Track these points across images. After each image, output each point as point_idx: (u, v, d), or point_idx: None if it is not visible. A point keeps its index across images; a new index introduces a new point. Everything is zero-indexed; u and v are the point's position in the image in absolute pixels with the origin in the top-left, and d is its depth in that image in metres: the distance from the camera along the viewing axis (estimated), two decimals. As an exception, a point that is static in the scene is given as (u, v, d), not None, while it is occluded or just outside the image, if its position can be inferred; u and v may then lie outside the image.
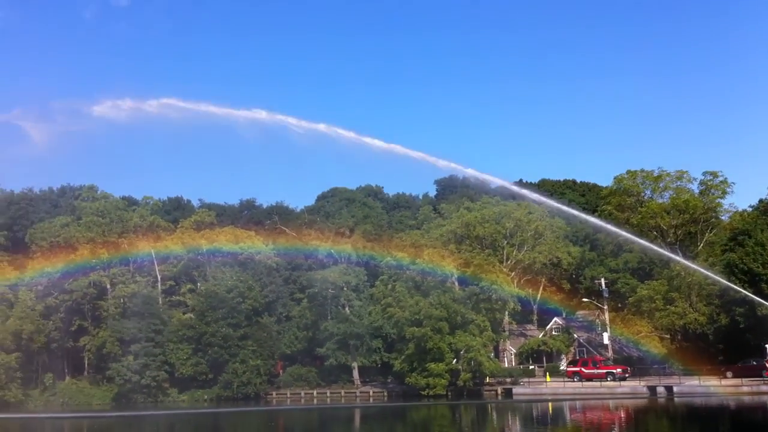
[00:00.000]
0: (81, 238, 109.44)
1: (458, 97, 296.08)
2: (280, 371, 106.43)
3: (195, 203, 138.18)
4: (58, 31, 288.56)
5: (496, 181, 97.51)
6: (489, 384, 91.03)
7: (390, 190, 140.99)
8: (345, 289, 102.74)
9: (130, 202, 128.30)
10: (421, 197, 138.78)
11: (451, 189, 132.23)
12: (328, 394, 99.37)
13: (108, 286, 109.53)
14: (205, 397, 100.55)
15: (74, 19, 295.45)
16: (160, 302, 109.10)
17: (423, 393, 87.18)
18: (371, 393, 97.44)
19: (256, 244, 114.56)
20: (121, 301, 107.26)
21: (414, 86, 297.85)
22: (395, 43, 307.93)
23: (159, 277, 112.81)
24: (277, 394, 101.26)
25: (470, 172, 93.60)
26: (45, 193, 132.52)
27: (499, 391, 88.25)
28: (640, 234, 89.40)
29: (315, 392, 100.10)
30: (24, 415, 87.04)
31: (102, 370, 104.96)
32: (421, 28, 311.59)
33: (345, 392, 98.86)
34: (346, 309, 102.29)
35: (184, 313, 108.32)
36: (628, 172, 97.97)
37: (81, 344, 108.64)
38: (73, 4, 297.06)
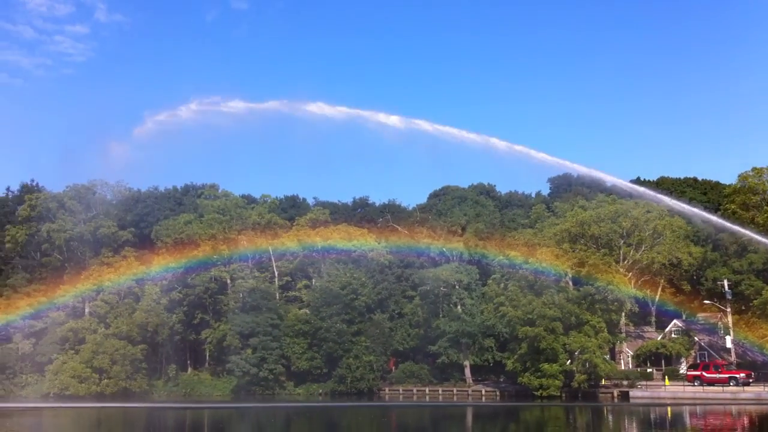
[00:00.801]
0: (203, 234, 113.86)
1: (574, 95, 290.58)
2: (393, 367, 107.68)
3: (310, 201, 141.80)
4: (181, 34, 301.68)
5: (611, 179, 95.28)
6: (604, 386, 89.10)
7: (502, 189, 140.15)
8: (457, 287, 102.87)
9: (248, 201, 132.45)
10: (534, 195, 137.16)
11: (564, 187, 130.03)
12: (440, 392, 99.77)
13: (228, 281, 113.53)
14: (320, 391, 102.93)
15: (197, 22, 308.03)
16: (277, 297, 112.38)
17: (536, 393, 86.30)
18: (483, 392, 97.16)
19: (369, 242, 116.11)
20: (241, 295, 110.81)
21: (528, 84, 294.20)
22: (505, 39, 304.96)
23: (276, 273, 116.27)
24: (389, 390, 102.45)
25: (584, 170, 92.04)
26: (169, 192, 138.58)
27: (615, 394, 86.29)
28: (767, 234, 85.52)
29: (427, 389, 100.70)
30: (148, 404, 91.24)
31: (222, 362, 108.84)
32: (534, 27, 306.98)
33: (457, 390, 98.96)
34: (458, 307, 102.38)
35: (299, 309, 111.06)
36: (754, 169, 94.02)
37: (202, 337, 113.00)
38: (196, 9, 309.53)
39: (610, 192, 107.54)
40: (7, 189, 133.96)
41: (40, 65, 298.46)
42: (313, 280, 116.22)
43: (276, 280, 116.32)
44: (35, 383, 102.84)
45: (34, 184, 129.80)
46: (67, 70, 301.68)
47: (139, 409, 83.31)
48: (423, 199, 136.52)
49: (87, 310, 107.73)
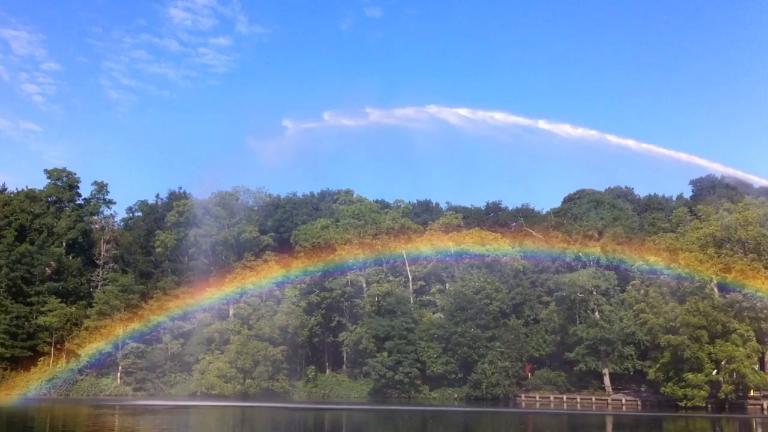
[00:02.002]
0: (339, 239, 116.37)
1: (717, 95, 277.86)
2: (529, 374, 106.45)
3: (443, 206, 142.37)
4: (317, 43, 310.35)
5: (759, 181, 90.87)
6: (753, 398, 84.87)
7: (641, 192, 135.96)
8: (594, 293, 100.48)
9: (382, 205, 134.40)
10: (675, 198, 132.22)
11: (708, 190, 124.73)
12: (578, 400, 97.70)
13: (364, 285, 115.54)
14: (455, 395, 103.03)
15: (332, 31, 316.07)
16: (412, 301, 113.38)
17: (680, 404, 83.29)
18: (624, 401, 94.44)
19: (503, 247, 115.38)
20: (376, 299, 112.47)
21: (661, 86, 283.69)
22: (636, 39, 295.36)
23: (410, 277, 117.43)
24: (525, 397, 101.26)
25: (730, 172, 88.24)
26: (307, 198, 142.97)
27: (765, 406, 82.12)
28: None
29: (564, 397, 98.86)
30: (289, 404, 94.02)
31: (359, 364, 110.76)
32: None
33: (596, 399, 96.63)
34: (596, 313, 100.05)
35: (433, 313, 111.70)
36: None
37: (340, 339, 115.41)
38: (331, 18, 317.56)
39: (758, 194, 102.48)
40: (157, 196, 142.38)
41: (185, 77, 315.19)
42: (447, 285, 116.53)
43: (410, 284, 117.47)
44: (183, 382, 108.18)
45: (182, 191, 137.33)
46: (211, 81, 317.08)
47: (281, 409, 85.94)
48: (557, 203, 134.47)
49: (231, 312, 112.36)
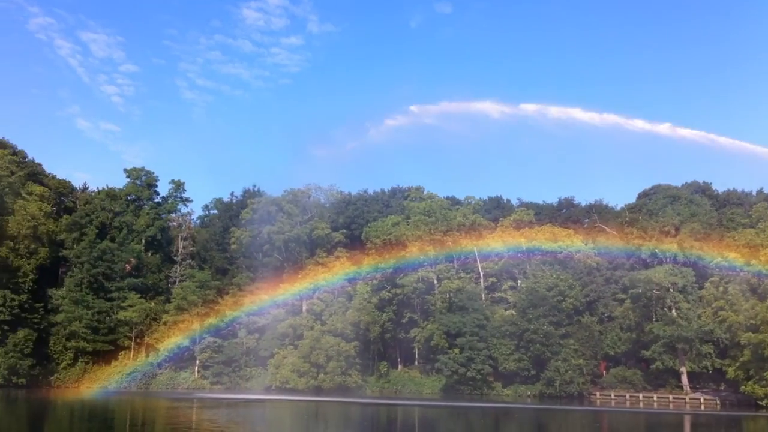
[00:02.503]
0: (410, 235, 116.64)
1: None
2: (604, 372, 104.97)
3: (514, 202, 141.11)
4: (387, 41, 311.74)
5: None
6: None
7: (719, 186, 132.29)
8: (671, 290, 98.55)
9: (453, 202, 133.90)
10: (755, 193, 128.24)
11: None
12: (655, 399, 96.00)
13: (435, 282, 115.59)
14: (528, 392, 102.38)
15: (402, 28, 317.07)
16: (483, 298, 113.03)
17: (760, 403, 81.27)
18: (702, 400, 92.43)
19: (575, 243, 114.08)
20: (447, 295, 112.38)
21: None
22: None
23: (481, 274, 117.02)
24: (600, 395, 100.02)
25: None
26: (378, 194, 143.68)
27: None
28: None
29: (641, 395, 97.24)
30: (362, 399, 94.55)
31: (431, 360, 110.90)
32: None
33: (673, 398, 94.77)
34: (673, 311, 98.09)
35: (505, 310, 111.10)
36: None
37: (411, 336, 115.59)
38: (401, 15, 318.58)
39: None
40: (231, 194, 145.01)
41: (258, 77, 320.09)
42: (519, 282, 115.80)
43: (481, 280, 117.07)
44: (258, 376, 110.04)
45: (256, 189, 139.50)
46: (284, 81, 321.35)
47: (354, 404, 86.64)
48: (632, 199, 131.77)
49: (304, 308, 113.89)
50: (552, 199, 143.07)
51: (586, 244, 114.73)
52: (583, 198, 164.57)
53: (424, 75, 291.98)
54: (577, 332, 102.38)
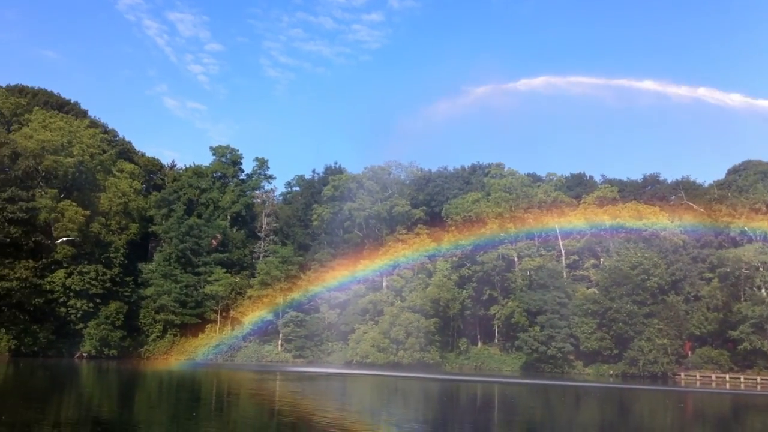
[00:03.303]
0: (490, 213, 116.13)
1: None
2: (689, 352, 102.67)
3: (597, 179, 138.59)
4: (467, 16, 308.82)
5: None
6: None
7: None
8: (761, 269, 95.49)
9: (534, 179, 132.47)
10: None
11: None
12: (742, 380, 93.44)
13: (515, 259, 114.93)
14: (611, 372, 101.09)
15: (482, 3, 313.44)
16: (564, 276, 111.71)
17: None
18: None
19: (661, 221, 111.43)
20: (528, 273, 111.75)
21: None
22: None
23: (563, 252, 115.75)
24: (685, 375, 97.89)
25: None
26: (458, 171, 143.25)
27: None
28: None
29: (727, 376, 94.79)
30: (441, 375, 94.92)
31: (511, 338, 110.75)
32: None
33: (761, 379, 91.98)
34: (762, 291, 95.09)
35: (587, 288, 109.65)
36: None
37: (491, 313, 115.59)
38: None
39: None
40: (313, 171, 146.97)
41: (340, 54, 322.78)
42: (602, 260, 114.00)
43: (563, 258, 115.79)
44: (339, 350, 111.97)
45: (337, 166, 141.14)
46: (365, 57, 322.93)
47: (433, 380, 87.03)
48: (720, 175, 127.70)
49: (384, 284, 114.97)
50: (637, 175, 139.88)
51: (672, 222, 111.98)
52: (670, 175, 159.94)
53: (505, 49, 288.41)
54: (661, 312, 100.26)
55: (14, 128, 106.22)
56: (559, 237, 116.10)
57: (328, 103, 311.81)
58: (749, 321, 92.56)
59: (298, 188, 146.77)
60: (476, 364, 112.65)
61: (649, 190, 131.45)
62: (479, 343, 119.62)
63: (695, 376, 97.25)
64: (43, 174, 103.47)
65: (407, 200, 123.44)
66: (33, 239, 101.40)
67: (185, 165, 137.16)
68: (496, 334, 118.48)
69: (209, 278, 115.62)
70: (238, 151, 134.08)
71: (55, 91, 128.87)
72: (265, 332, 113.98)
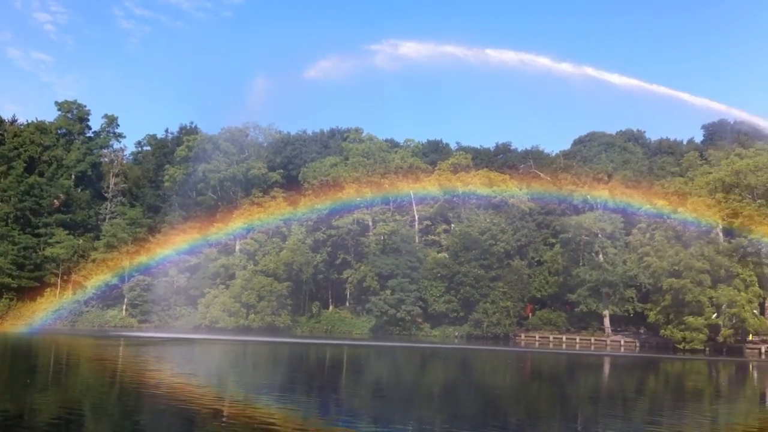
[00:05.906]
0: (347, 177, 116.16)
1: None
2: (530, 314, 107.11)
3: (452, 146, 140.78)
4: None
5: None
6: (752, 342, 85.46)
7: (652, 135, 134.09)
8: (600, 236, 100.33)
9: (392, 144, 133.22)
10: (686, 143, 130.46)
11: (720, 135, 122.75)
12: (578, 341, 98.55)
13: (370, 224, 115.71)
14: (456, 333, 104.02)
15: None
16: (417, 241, 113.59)
17: (678, 346, 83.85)
18: (622, 342, 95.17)
19: (510, 188, 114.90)
20: (381, 238, 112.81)
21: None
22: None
23: (416, 217, 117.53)
24: (525, 337, 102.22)
25: (744, 117, 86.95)
26: (317, 135, 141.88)
27: (763, 350, 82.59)
28: None
29: (564, 337, 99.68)
30: (291, 339, 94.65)
31: (362, 302, 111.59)
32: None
33: (595, 340, 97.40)
34: (600, 256, 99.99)
35: (438, 252, 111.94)
36: None
37: (344, 277, 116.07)
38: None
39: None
40: (166, 131, 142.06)
41: (200, 8, 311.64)
42: (453, 225, 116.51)
43: (416, 223, 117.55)
44: (188, 315, 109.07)
45: (192, 126, 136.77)
46: (226, 13, 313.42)
47: (283, 344, 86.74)
48: (567, 146, 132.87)
49: (237, 248, 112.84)
50: (490, 144, 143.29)
51: (520, 190, 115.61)
52: (521, 144, 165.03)
53: (363, 12, 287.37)
54: (506, 275, 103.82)
55: None
56: (414, 202, 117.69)
57: (185, 60, 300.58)
58: (586, 285, 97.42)
59: (149, 148, 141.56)
60: (327, 327, 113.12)
61: (501, 159, 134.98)
62: (331, 307, 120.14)
63: (535, 337, 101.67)
64: None
65: (264, 163, 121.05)
66: None
67: (27, 120, 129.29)
68: (348, 298, 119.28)
69: (50, 240, 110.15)
70: (85, 106, 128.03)
71: None
72: (109, 297, 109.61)
